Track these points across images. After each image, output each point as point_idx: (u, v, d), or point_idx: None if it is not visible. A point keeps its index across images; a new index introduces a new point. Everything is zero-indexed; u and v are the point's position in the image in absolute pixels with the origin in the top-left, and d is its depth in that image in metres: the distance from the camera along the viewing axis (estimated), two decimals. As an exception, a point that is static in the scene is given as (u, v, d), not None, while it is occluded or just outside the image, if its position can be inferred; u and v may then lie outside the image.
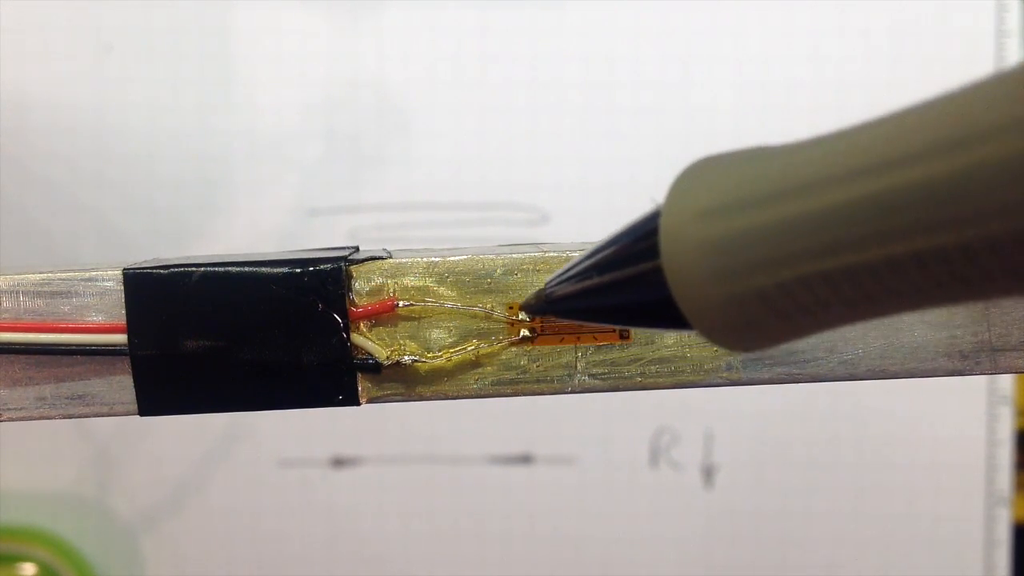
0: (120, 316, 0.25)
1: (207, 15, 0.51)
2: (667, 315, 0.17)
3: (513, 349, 0.25)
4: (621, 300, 0.19)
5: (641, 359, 0.25)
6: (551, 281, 0.20)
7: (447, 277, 0.25)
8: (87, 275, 0.25)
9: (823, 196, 0.15)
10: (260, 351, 0.24)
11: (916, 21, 0.51)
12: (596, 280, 0.19)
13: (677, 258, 0.17)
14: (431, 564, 0.53)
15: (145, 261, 0.25)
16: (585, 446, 0.53)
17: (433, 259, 0.25)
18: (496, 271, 0.25)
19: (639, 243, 0.18)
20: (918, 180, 0.14)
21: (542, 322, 0.25)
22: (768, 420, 0.53)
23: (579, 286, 0.20)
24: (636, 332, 0.25)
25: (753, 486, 0.53)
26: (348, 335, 0.25)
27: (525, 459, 0.53)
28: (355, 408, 0.25)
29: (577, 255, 0.20)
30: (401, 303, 0.25)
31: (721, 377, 0.26)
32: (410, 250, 0.27)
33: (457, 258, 0.25)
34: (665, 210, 0.17)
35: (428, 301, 0.25)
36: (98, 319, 0.25)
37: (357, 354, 0.25)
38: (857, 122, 0.15)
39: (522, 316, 0.25)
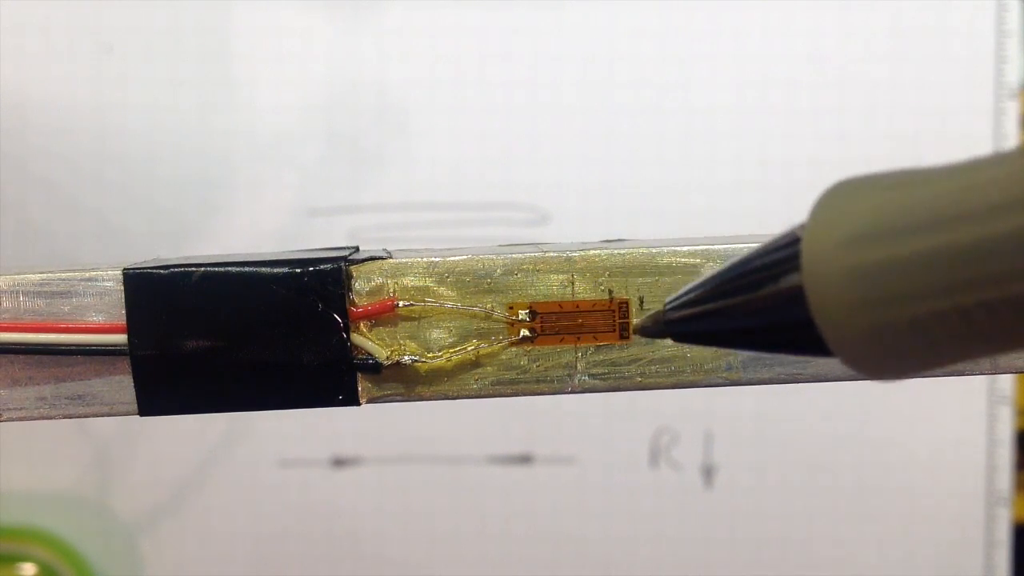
0: (120, 316, 0.25)
1: (207, 15, 0.51)
2: (805, 340, 0.17)
3: (513, 349, 0.25)
4: (754, 324, 0.18)
5: (641, 359, 0.25)
6: (671, 302, 0.20)
7: (447, 277, 0.25)
8: (87, 275, 0.25)
9: (987, 224, 0.15)
10: (260, 351, 0.24)
11: (916, 21, 0.51)
12: (726, 303, 0.19)
13: (822, 283, 0.16)
14: (431, 564, 0.53)
15: (145, 261, 0.25)
16: (585, 446, 0.53)
17: (433, 259, 0.25)
18: (496, 271, 0.25)
19: (778, 267, 0.18)
20: None
21: (542, 322, 0.25)
22: (768, 420, 0.53)
23: (704, 308, 0.19)
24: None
25: (753, 486, 0.53)
26: (348, 335, 0.25)
27: (525, 459, 0.53)
28: (355, 408, 0.25)
29: (694, 280, 0.20)
30: (401, 303, 0.25)
31: (721, 377, 0.26)
32: (410, 250, 0.27)
33: (457, 258, 0.25)
34: (808, 233, 0.17)
35: (428, 301, 0.25)
36: (98, 319, 0.25)
37: (357, 354, 0.25)
38: (1016, 147, 0.15)
39: (522, 316, 0.25)
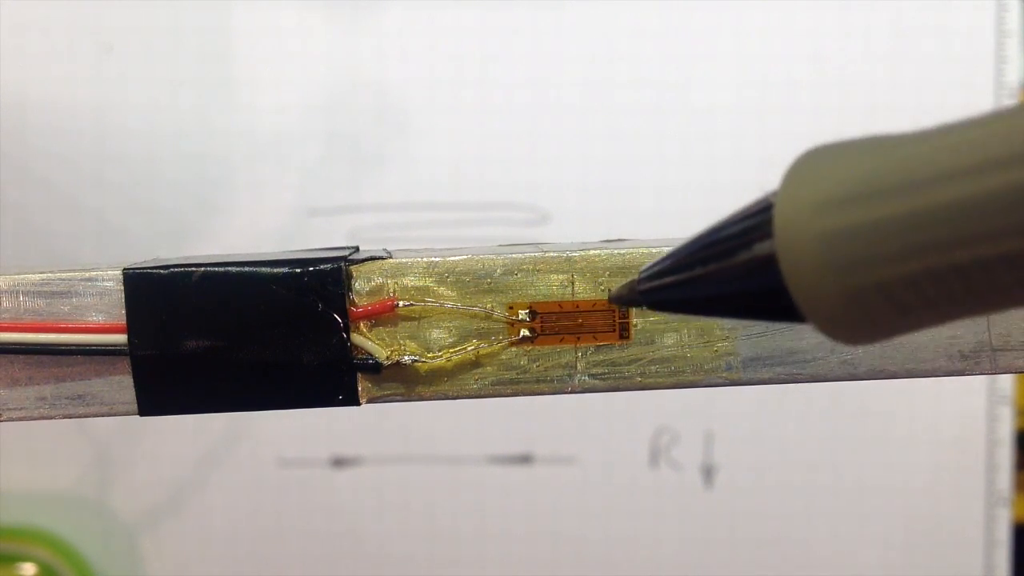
0: (120, 316, 0.25)
1: (207, 15, 0.51)
2: (777, 306, 0.17)
3: (513, 349, 0.25)
4: (727, 290, 0.18)
5: (641, 359, 0.25)
6: (644, 271, 0.20)
7: (447, 277, 0.25)
8: (87, 275, 0.25)
9: (960, 186, 0.15)
10: (260, 351, 0.24)
11: (916, 21, 0.51)
12: (699, 271, 0.19)
13: (795, 249, 0.16)
14: (431, 564, 0.53)
15: (145, 261, 0.25)
16: (585, 446, 0.53)
17: (433, 259, 0.25)
18: (496, 271, 0.25)
19: (750, 233, 0.18)
20: None
21: (542, 322, 0.25)
22: (768, 420, 0.53)
23: (678, 276, 0.19)
24: (636, 332, 0.25)
25: (753, 486, 0.53)
26: (348, 335, 0.25)
27: (525, 459, 0.53)
28: (355, 408, 0.25)
29: (667, 249, 0.20)
30: (401, 303, 0.25)
31: (721, 377, 0.26)
32: (410, 250, 0.27)
33: (457, 258, 0.25)
34: (780, 199, 0.17)
35: (428, 301, 0.25)
36: (98, 319, 0.25)
37: (357, 354, 0.25)
38: (988, 111, 0.15)
39: (522, 316, 0.25)
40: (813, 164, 0.17)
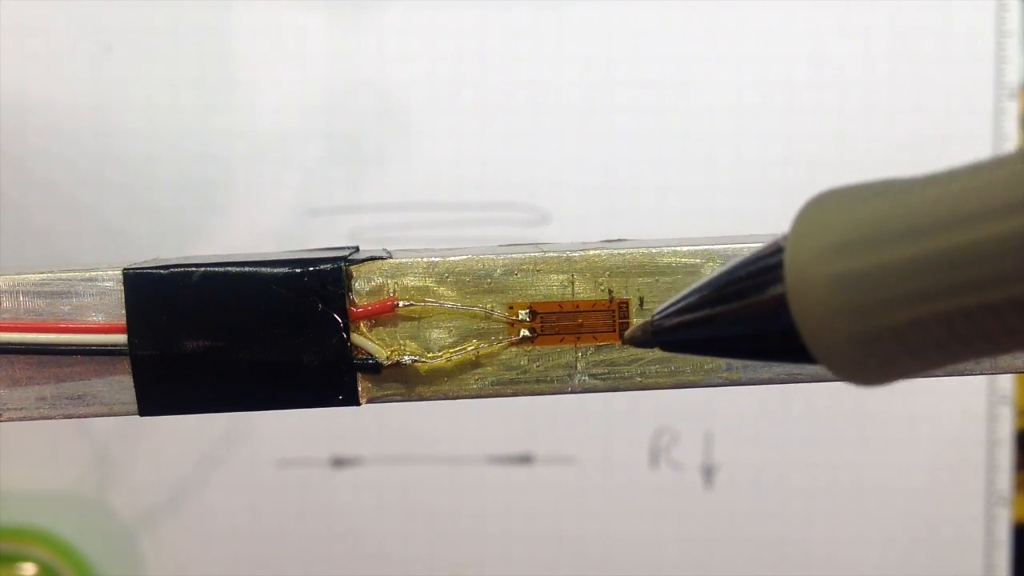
0: (120, 316, 0.25)
1: (207, 15, 0.51)
2: (790, 349, 0.17)
3: (513, 349, 0.25)
4: (739, 332, 0.19)
5: (641, 359, 0.25)
6: (659, 312, 0.20)
7: (447, 277, 0.25)
8: (87, 275, 0.25)
9: (967, 231, 0.15)
10: (260, 351, 0.24)
11: (916, 21, 0.51)
12: (712, 311, 0.19)
13: (805, 292, 0.17)
14: (431, 564, 0.53)
15: (145, 261, 0.25)
16: (585, 446, 0.53)
17: (433, 259, 0.25)
18: (496, 271, 0.25)
19: (762, 276, 0.18)
20: None
21: (542, 322, 0.25)
22: (768, 420, 0.53)
23: (692, 316, 0.20)
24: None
25: (753, 486, 0.53)
26: (348, 335, 0.25)
27: (525, 459, 0.53)
28: (355, 408, 0.25)
29: (682, 291, 0.20)
30: (401, 303, 0.25)
31: (721, 377, 0.26)
32: (410, 250, 0.27)
33: (457, 258, 0.25)
34: (791, 243, 0.17)
35: (428, 301, 0.25)
36: (98, 319, 0.25)
37: (357, 354, 0.25)
38: (992, 157, 0.15)
39: (522, 316, 0.25)
40: (823, 208, 0.17)
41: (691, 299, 0.20)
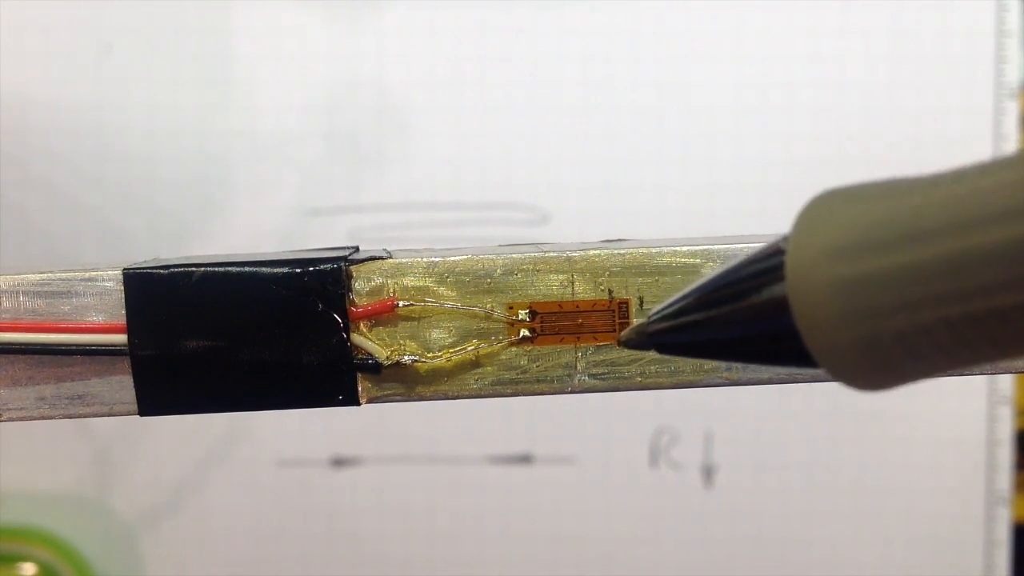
0: (120, 316, 0.25)
1: (207, 15, 0.51)
2: (789, 352, 0.17)
3: (513, 349, 0.25)
4: (738, 334, 0.18)
5: (641, 359, 0.25)
6: (654, 315, 0.20)
7: (447, 277, 0.25)
8: (87, 275, 0.25)
9: (973, 236, 0.15)
10: (260, 351, 0.24)
11: (916, 21, 0.51)
12: (710, 313, 0.19)
13: (807, 295, 0.16)
14: (431, 564, 0.53)
15: (145, 261, 0.25)
16: (585, 446, 0.53)
17: (433, 259, 0.25)
18: (496, 271, 0.25)
19: (762, 277, 0.18)
20: None
21: (542, 322, 0.25)
22: (768, 420, 0.53)
23: (689, 319, 0.19)
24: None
25: (753, 486, 0.53)
26: (348, 335, 0.25)
27: (525, 459, 0.53)
28: (355, 408, 0.25)
29: (679, 292, 0.20)
30: (401, 303, 0.25)
31: (721, 377, 0.26)
32: (410, 250, 0.27)
33: (457, 258, 0.25)
34: (793, 245, 0.17)
35: (428, 301, 0.25)
36: (98, 319, 0.25)
37: (357, 354, 0.25)
38: (998, 158, 0.15)
39: (522, 316, 0.25)
40: (825, 208, 0.17)
41: (687, 301, 0.19)
